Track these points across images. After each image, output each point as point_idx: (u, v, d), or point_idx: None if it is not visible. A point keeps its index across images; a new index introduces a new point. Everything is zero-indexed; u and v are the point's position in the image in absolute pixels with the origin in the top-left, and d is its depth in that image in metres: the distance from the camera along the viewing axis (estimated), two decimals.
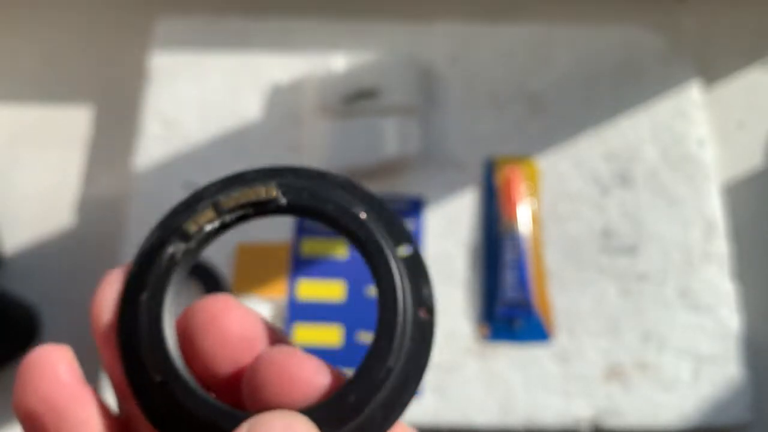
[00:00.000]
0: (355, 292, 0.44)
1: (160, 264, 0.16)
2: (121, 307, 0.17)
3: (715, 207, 0.46)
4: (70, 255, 0.48)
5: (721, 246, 0.44)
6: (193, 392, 0.15)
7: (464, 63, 0.50)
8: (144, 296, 0.16)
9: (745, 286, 0.44)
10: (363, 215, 0.16)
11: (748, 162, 0.49)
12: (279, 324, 0.43)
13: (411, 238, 0.17)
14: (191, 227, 0.17)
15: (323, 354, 0.42)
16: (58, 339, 0.49)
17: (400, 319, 0.16)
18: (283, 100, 0.49)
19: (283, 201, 0.16)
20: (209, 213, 0.16)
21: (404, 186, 0.46)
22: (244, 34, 0.51)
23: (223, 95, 0.49)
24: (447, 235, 0.45)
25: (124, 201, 0.47)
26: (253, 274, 0.44)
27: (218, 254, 0.44)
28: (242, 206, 0.16)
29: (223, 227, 0.17)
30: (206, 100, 0.49)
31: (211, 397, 0.16)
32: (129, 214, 0.46)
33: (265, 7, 0.53)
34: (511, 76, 0.50)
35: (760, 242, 0.46)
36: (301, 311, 0.43)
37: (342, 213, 0.16)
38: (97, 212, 0.49)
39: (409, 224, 0.45)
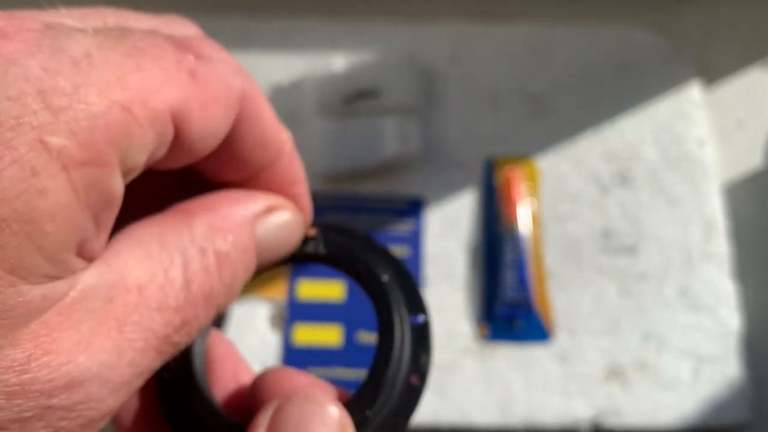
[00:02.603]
0: (355, 292, 0.44)
1: None
2: None
3: (715, 207, 0.46)
4: None
5: (721, 246, 0.44)
6: (208, 406, 0.17)
7: (464, 63, 0.50)
8: None
9: (745, 286, 0.44)
10: (385, 278, 0.19)
11: (748, 162, 0.49)
12: (279, 324, 0.43)
13: (425, 308, 0.19)
14: None
15: (323, 354, 0.42)
16: None
17: (386, 381, 0.17)
18: (283, 100, 0.49)
19: (323, 251, 0.19)
20: None
21: (404, 186, 0.46)
22: (244, 34, 0.51)
23: None
24: (447, 235, 0.45)
25: None
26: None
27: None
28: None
29: (273, 266, 0.19)
30: None
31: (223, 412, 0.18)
32: None
33: (265, 7, 0.53)
34: (511, 76, 0.50)
35: (760, 242, 0.46)
36: (301, 311, 0.43)
37: (367, 273, 0.19)
38: None
39: (409, 224, 0.45)
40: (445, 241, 0.45)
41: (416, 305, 0.19)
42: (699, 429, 0.40)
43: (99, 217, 0.14)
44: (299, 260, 0.20)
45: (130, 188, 0.15)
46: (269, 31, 0.51)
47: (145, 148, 0.14)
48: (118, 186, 0.14)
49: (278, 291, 0.44)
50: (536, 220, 0.45)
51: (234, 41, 0.51)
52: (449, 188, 0.46)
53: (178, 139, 0.15)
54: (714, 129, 0.49)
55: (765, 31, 0.53)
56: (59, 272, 0.13)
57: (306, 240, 0.19)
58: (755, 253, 0.46)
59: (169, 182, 0.19)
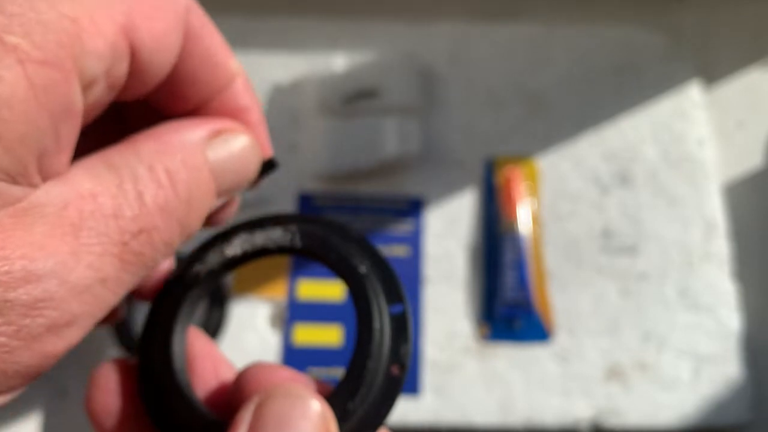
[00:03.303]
0: None
1: (185, 282, 0.19)
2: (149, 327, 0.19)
3: (715, 207, 0.46)
4: None
5: (721, 246, 0.44)
6: (189, 404, 0.18)
7: (464, 63, 0.50)
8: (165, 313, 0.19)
9: (745, 286, 0.44)
10: (363, 269, 0.19)
11: (748, 162, 0.49)
12: (279, 324, 0.43)
13: (404, 298, 0.19)
14: (218, 257, 0.20)
15: (323, 354, 0.42)
16: None
17: (367, 373, 0.17)
18: (283, 100, 0.49)
19: (299, 244, 0.19)
20: (237, 246, 0.19)
21: (404, 186, 0.46)
22: (244, 34, 0.51)
23: None
24: (447, 235, 0.45)
25: None
26: (253, 274, 0.44)
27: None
28: (263, 246, 0.19)
29: (245, 258, 0.19)
30: None
31: (204, 409, 0.18)
32: None
33: (265, 7, 0.53)
34: (511, 76, 0.50)
35: (760, 242, 0.46)
36: (301, 311, 0.43)
37: (344, 265, 0.19)
38: None
39: (409, 224, 0.45)
40: (445, 241, 0.45)
41: (395, 295, 0.19)
42: (699, 429, 0.40)
43: (58, 129, 0.14)
44: (274, 252, 0.19)
45: (97, 130, 0.15)
46: (269, 31, 0.51)
47: (100, 59, 0.15)
48: (77, 96, 0.14)
49: (278, 291, 0.44)
50: (536, 220, 0.45)
51: (234, 41, 0.51)
52: (449, 188, 0.46)
53: (135, 56, 0.16)
54: (714, 129, 0.49)
55: (765, 31, 0.53)
56: (17, 172, 0.13)
57: (285, 243, 0.19)
58: (755, 253, 0.46)
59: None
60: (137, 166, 0.16)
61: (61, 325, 0.14)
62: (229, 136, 0.18)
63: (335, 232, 0.19)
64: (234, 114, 0.19)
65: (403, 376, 0.18)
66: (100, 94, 0.15)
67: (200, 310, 0.24)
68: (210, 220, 0.19)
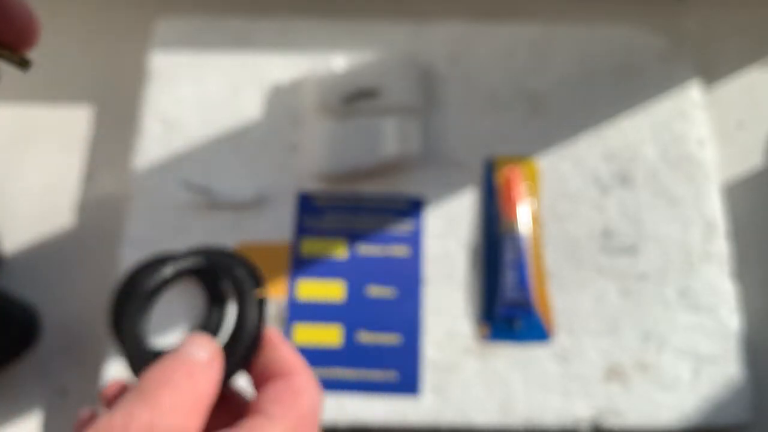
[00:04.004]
0: (355, 292, 0.44)
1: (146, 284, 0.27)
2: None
3: (715, 207, 0.46)
4: (70, 255, 0.48)
5: (721, 246, 0.44)
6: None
7: (464, 63, 0.50)
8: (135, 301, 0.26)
9: (745, 286, 0.44)
10: (240, 272, 0.27)
11: (748, 162, 0.49)
12: (279, 324, 0.43)
13: (263, 285, 0.27)
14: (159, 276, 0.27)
15: (323, 354, 0.42)
16: (58, 339, 0.49)
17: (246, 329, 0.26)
18: (283, 100, 0.49)
19: (204, 266, 0.27)
20: (170, 269, 0.27)
21: (404, 186, 0.46)
22: (244, 34, 0.51)
23: (223, 95, 0.49)
24: (447, 235, 0.45)
25: (124, 201, 0.47)
26: None
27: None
28: (186, 269, 0.27)
29: (176, 277, 0.27)
30: (206, 100, 0.49)
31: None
32: (129, 214, 0.46)
33: (265, 7, 0.53)
34: (511, 76, 0.50)
35: (760, 242, 0.46)
36: (301, 311, 0.43)
37: (232, 276, 0.27)
38: (97, 212, 0.49)
39: (409, 224, 0.45)
40: (445, 241, 0.45)
41: (259, 283, 0.26)
42: (699, 429, 0.40)
43: None
44: (190, 273, 0.27)
45: None
46: (269, 31, 0.51)
47: None
48: None
49: (278, 291, 0.44)
50: (536, 220, 0.45)
51: (234, 41, 0.51)
52: (449, 188, 0.46)
53: None
54: (714, 129, 0.49)
55: (765, 31, 0.53)
56: None
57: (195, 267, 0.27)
58: (755, 253, 0.46)
59: None
60: None
61: None
62: None
63: (226, 257, 0.28)
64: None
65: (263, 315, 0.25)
66: None
67: (198, 309, 0.28)
68: None
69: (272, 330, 0.26)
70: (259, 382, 0.24)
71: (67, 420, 0.43)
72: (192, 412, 0.22)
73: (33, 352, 0.45)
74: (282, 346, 0.25)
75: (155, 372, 0.22)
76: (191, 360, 0.23)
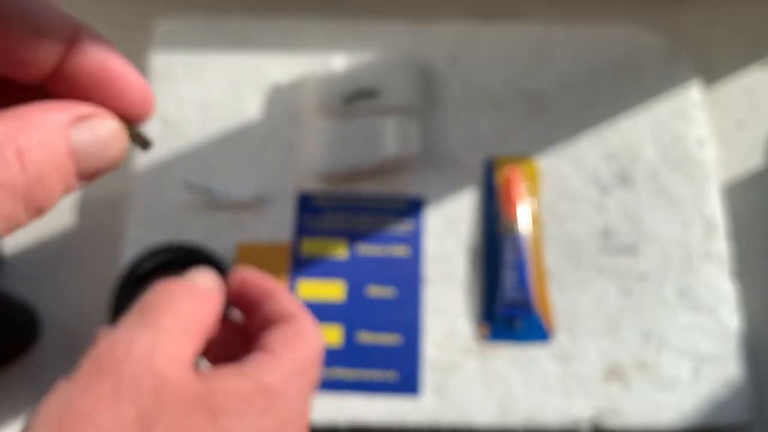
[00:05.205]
0: (355, 292, 0.44)
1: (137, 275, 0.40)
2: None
3: (715, 207, 0.46)
4: (70, 255, 0.48)
5: (721, 246, 0.44)
6: None
7: (464, 63, 0.50)
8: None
9: (745, 286, 0.44)
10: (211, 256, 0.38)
11: (748, 162, 0.49)
12: None
13: (225, 268, 0.34)
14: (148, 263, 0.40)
15: (323, 354, 0.42)
16: (58, 339, 0.49)
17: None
18: (283, 100, 0.49)
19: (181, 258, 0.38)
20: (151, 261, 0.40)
21: (404, 186, 0.46)
22: (244, 34, 0.51)
23: (223, 95, 0.49)
24: (447, 235, 0.45)
25: (124, 201, 0.47)
26: None
27: (219, 254, 0.44)
28: (164, 262, 0.38)
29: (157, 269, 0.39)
30: (206, 100, 0.49)
31: None
32: (129, 214, 0.46)
33: (265, 7, 0.53)
34: (511, 76, 0.50)
35: (760, 242, 0.46)
36: None
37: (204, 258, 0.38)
38: (97, 212, 0.49)
39: (409, 224, 0.45)
40: (445, 241, 0.45)
41: (222, 268, 0.38)
42: (699, 429, 0.40)
43: None
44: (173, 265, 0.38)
45: None
46: (269, 31, 0.51)
47: None
48: None
49: None
50: (536, 220, 0.45)
51: (234, 41, 0.51)
52: (449, 188, 0.46)
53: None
54: (714, 129, 0.49)
55: (765, 31, 0.53)
56: None
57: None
58: (755, 253, 0.46)
59: None
60: None
61: None
62: (96, 120, 0.18)
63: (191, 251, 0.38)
64: (101, 82, 0.19)
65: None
66: None
67: None
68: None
69: (276, 281, 0.26)
70: (263, 327, 0.25)
71: None
72: (190, 337, 0.22)
73: (33, 352, 0.45)
74: (286, 295, 0.25)
75: (158, 293, 0.22)
76: (194, 286, 0.23)
